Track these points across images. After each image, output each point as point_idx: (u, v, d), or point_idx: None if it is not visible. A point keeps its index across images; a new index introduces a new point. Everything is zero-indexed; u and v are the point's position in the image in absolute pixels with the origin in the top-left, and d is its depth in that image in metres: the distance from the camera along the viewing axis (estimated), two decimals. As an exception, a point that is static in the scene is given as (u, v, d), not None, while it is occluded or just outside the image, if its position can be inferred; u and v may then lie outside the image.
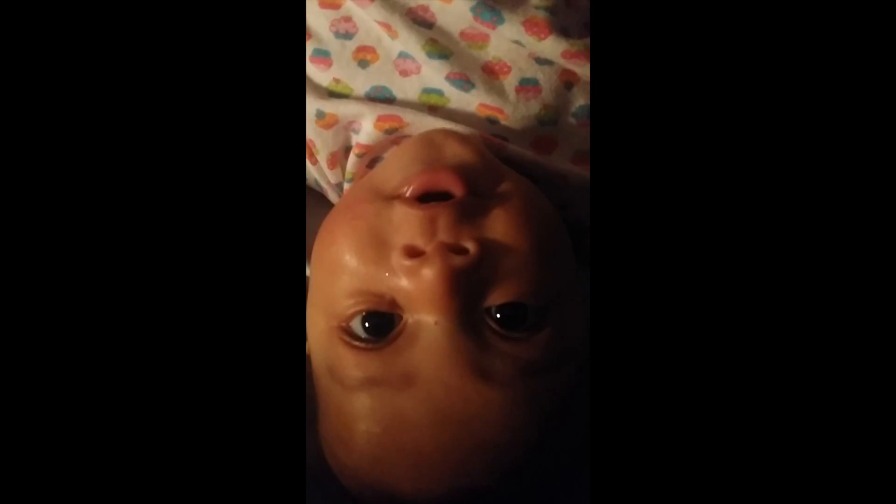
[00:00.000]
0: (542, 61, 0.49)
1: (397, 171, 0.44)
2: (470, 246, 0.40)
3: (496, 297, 0.41)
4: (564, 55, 0.48)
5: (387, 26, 0.48)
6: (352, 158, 0.50)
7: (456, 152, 0.44)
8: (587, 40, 0.48)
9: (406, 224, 0.41)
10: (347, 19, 0.49)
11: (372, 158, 0.50)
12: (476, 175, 0.43)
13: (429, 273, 0.39)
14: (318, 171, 0.52)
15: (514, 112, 0.49)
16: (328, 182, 0.53)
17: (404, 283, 0.40)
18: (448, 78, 0.48)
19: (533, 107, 0.49)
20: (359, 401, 0.40)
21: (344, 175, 0.52)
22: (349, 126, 0.50)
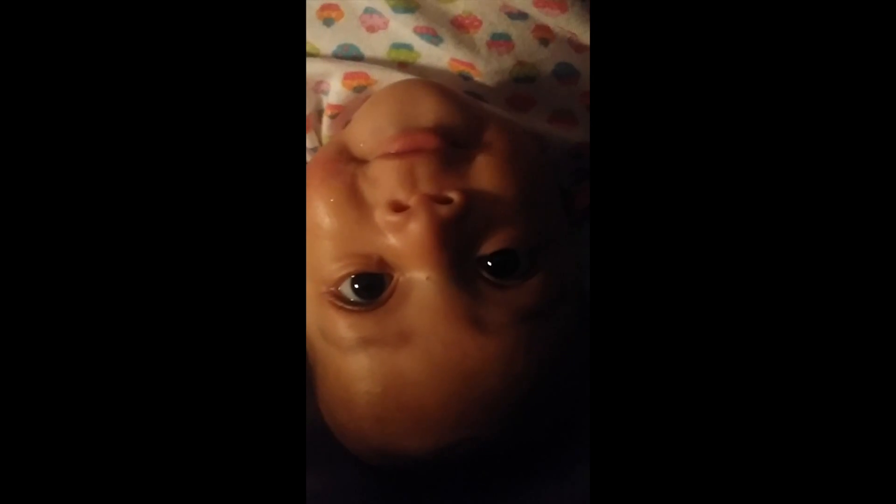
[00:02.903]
0: (514, 16, 0.48)
1: (370, 133, 0.42)
2: (454, 195, 0.39)
3: (486, 246, 0.40)
4: (537, 4, 0.47)
5: None
6: (326, 121, 0.49)
7: (431, 108, 0.42)
8: None
9: (384, 177, 0.40)
10: None
11: (347, 120, 0.49)
12: (456, 128, 0.42)
13: (416, 227, 0.38)
14: None
15: (486, 67, 0.47)
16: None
17: (391, 240, 0.39)
18: (416, 31, 0.47)
19: (506, 62, 0.48)
20: (356, 362, 0.40)
21: (320, 139, 0.50)
22: (318, 87, 0.49)
